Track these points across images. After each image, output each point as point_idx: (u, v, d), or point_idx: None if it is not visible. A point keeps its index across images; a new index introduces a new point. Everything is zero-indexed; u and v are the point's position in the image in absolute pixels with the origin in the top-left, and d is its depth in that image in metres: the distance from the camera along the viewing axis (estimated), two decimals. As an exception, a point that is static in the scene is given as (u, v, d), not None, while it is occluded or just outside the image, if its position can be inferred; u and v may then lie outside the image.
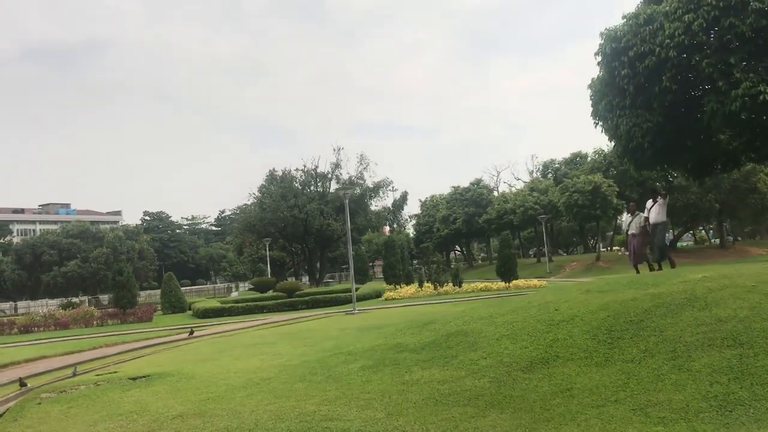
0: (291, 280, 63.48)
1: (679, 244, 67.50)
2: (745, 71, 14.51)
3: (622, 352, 7.75)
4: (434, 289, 34.77)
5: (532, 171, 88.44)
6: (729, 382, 6.35)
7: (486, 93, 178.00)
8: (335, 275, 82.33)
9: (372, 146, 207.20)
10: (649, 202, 15.49)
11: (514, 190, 79.95)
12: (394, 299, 33.00)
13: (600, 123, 19.59)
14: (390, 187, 67.02)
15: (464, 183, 79.23)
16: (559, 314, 9.78)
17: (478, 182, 79.14)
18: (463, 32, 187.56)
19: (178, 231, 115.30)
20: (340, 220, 64.62)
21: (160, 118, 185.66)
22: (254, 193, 68.01)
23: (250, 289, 53.73)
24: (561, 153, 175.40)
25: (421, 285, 41.22)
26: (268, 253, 60.85)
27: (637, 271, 15.49)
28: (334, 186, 66.56)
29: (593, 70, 19.46)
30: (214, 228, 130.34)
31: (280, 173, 68.01)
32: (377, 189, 66.13)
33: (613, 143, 20.17)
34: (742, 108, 14.39)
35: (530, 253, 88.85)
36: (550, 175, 79.32)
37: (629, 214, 16.48)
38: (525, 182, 78.15)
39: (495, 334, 9.61)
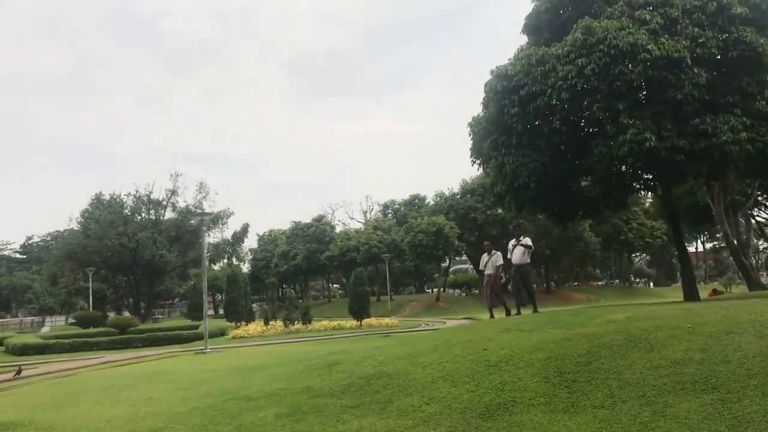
0: (113, 315, 58.34)
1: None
2: (632, 118, 14.97)
3: (587, 397, 7.02)
4: (284, 327, 33.15)
5: (366, 211, 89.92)
6: (729, 429, 5.81)
7: (314, 134, 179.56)
8: (164, 311, 77.23)
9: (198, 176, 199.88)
10: (512, 242, 14.96)
11: (357, 228, 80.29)
12: (243, 337, 30.94)
13: (479, 161, 19.64)
14: (230, 218, 64.29)
15: (285, 220, 78.62)
16: (490, 354, 8.96)
17: (320, 219, 78.67)
18: (299, 72, 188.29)
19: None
20: (174, 250, 60.92)
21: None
22: (77, 218, 62.37)
23: (71, 324, 48.47)
24: (390, 195, 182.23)
25: (266, 322, 39.40)
26: (91, 284, 55.53)
27: (492, 315, 14.94)
28: (169, 214, 62.87)
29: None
30: (18, 255, 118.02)
31: (108, 197, 63.05)
32: (217, 219, 63.18)
33: (496, 182, 20.32)
34: (630, 153, 14.80)
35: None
36: (390, 215, 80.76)
37: (486, 254, 15.87)
38: (360, 222, 78.80)
39: (426, 376, 8.57)
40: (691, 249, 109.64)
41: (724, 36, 15.27)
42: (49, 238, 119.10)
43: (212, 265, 75.09)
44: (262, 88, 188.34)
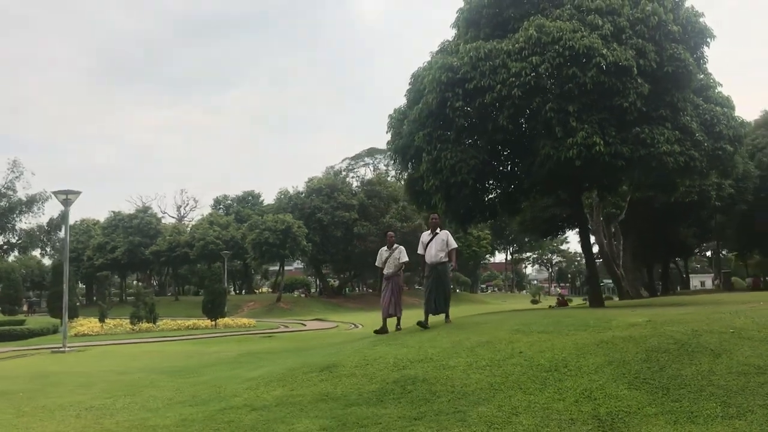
0: None
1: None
2: (580, 121, 14.92)
3: (699, 406, 6.31)
4: (131, 326, 29.83)
5: (181, 205, 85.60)
6: None
7: (113, 121, 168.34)
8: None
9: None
10: (426, 235, 11.79)
11: (190, 222, 75.85)
12: (87, 335, 27.32)
13: (398, 155, 18.77)
14: (47, 201, 57.48)
15: (90, 210, 72.58)
16: (534, 357, 8.11)
17: (146, 210, 73.13)
18: (102, 55, 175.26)
19: None
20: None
21: None
22: None
23: None
24: (203, 190, 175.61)
25: (102, 320, 35.46)
26: None
27: (385, 326, 12.32)
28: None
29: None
30: None
31: None
32: (31, 203, 56.27)
33: (405, 175, 19.55)
34: (578, 156, 14.72)
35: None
36: (221, 210, 77.27)
37: (386, 248, 12.51)
38: (173, 216, 74.73)
39: (477, 381, 7.51)
40: (494, 260, 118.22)
41: (660, 51, 15.71)
42: None
43: (24, 253, 66.79)
44: (66, 67, 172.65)
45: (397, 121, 18.55)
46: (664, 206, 30.78)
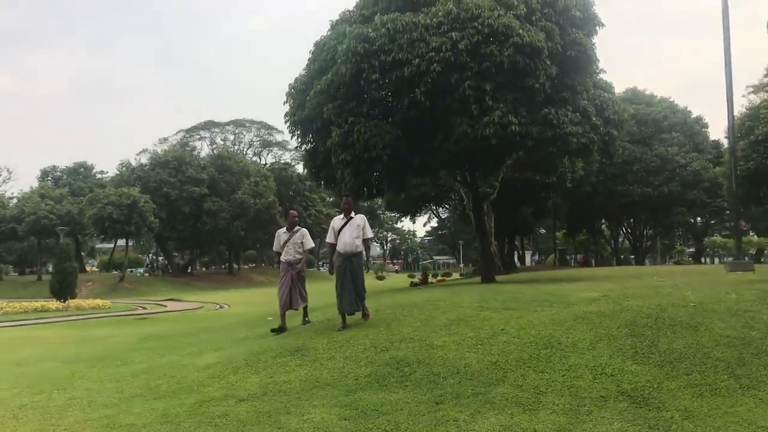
0: None
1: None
2: (495, 100, 15.09)
3: (711, 379, 6.56)
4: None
5: None
6: None
7: None
8: None
9: None
10: (339, 220, 9.77)
11: (12, 195, 68.45)
12: None
13: (298, 129, 18.02)
14: None
15: None
16: (523, 335, 8.02)
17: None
18: None
19: None
20: None
21: None
22: None
23: None
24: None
25: None
26: None
27: (283, 323, 10.50)
28: None
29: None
30: None
31: None
32: None
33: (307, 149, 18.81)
34: (495, 135, 14.88)
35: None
36: (50, 182, 70.71)
37: (284, 231, 10.73)
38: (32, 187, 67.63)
39: (479, 361, 7.22)
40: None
41: (564, 35, 16.26)
42: None
43: None
44: None
45: (299, 92, 17.77)
46: (524, 186, 32.38)
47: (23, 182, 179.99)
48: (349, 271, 9.46)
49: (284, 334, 10.10)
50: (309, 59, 18.15)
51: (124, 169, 58.07)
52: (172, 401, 6.98)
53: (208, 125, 78.84)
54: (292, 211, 11.71)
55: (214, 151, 71.58)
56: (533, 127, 15.53)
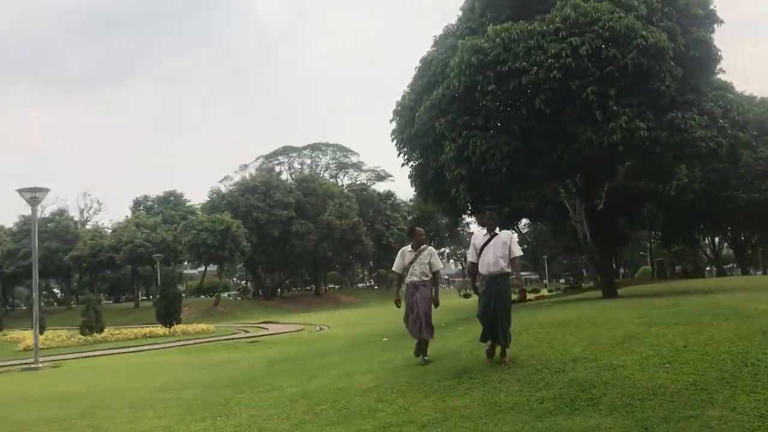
0: None
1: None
2: (620, 105, 14.44)
3: None
4: (84, 336, 27.37)
5: (84, 209, 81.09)
6: None
7: (6, 121, 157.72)
8: None
9: None
10: (480, 236, 8.54)
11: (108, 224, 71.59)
12: (40, 349, 24.65)
13: (406, 146, 17.82)
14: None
15: None
16: (712, 351, 7.37)
17: (62, 212, 68.53)
18: None
19: None
20: None
21: None
22: None
23: None
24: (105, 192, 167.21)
25: (43, 330, 32.63)
26: None
27: (420, 349, 9.28)
28: None
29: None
30: None
31: None
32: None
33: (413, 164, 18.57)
34: (621, 141, 14.23)
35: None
36: (142, 211, 73.45)
37: (410, 249, 9.21)
38: (78, 218, 70.46)
39: (675, 382, 6.65)
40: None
41: (685, 35, 15.49)
42: None
43: None
44: None
45: (407, 109, 17.60)
46: (621, 196, 31.12)
47: (111, 213, 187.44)
48: (496, 296, 8.15)
49: (434, 359, 9.50)
50: (414, 76, 17.99)
51: (214, 195, 59.64)
52: (349, 428, 6.71)
53: (286, 150, 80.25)
54: (418, 228, 9.61)
55: (292, 176, 72.81)
56: (661, 131, 14.76)
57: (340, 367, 10.95)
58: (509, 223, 37.59)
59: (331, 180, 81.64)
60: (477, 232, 9.00)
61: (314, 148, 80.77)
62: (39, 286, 44.40)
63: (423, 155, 17.39)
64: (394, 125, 18.17)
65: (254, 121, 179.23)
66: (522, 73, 14.54)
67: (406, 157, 18.21)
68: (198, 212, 62.46)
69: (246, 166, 76.39)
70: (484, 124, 15.41)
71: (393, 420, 6.80)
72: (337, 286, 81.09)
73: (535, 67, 14.42)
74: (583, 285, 40.06)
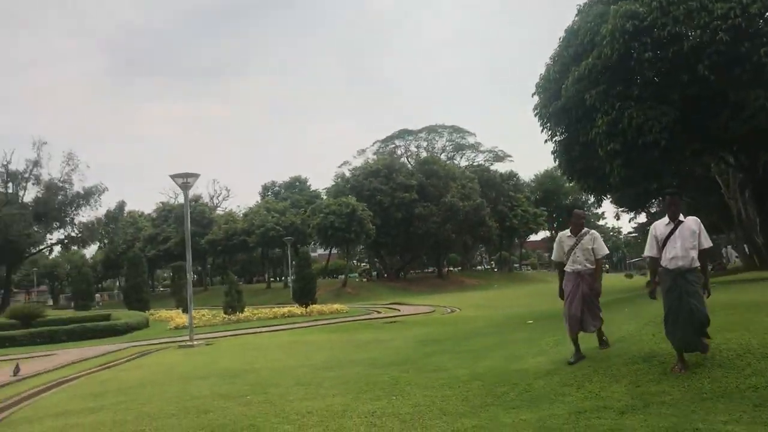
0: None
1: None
2: (797, 68, 13.14)
3: None
4: (227, 316, 28.60)
5: (214, 195, 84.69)
6: None
7: (131, 114, 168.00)
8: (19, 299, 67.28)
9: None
10: (660, 225, 7.36)
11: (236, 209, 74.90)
12: (186, 327, 26.07)
13: (550, 122, 17.11)
14: (103, 194, 56.60)
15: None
16: None
17: (196, 199, 72.25)
18: (115, 49, 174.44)
19: None
20: (40, 230, 52.92)
21: None
22: None
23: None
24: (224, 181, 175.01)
25: (185, 310, 34.52)
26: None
27: (578, 351, 8.24)
28: (32, 188, 54.28)
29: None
30: None
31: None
32: (88, 195, 55.39)
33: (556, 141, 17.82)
34: (803, 107, 12.95)
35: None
36: (270, 196, 76.17)
37: (569, 234, 8.44)
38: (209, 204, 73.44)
39: None
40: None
41: None
42: None
43: (79, 247, 66.46)
44: (75, 62, 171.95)
45: (551, 82, 16.88)
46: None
47: (238, 199, 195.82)
48: (685, 293, 7.00)
49: (612, 342, 8.91)
50: (557, 48, 17.23)
51: (339, 180, 60.76)
52: (538, 412, 6.40)
53: (402, 134, 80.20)
54: (576, 210, 8.86)
55: (409, 159, 72.81)
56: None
57: (504, 348, 10.66)
58: (645, 202, 35.59)
59: (449, 162, 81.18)
60: (658, 221, 7.57)
61: (430, 130, 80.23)
62: (179, 268, 47.02)
63: (569, 130, 16.66)
64: (536, 100, 17.54)
65: (369, 107, 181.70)
66: (682, 37, 13.53)
67: (549, 132, 17.50)
68: (323, 196, 63.90)
69: (363, 150, 77.22)
70: (640, 95, 14.50)
71: (585, 405, 6.43)
72: (457, 269, 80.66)
73: (697, 31, 13.37)
74: (727, 266, 37.35)
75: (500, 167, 78.49)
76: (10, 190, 53.46)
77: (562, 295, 8.51)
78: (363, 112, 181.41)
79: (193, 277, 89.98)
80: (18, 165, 55.01)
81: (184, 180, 19.13)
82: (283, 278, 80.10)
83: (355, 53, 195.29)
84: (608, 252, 8.75)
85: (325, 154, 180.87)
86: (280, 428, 6.85)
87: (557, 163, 18.31)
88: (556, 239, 8.72)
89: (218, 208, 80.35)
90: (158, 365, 14.04)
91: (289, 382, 9.83)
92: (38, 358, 17.14)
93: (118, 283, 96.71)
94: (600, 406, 6.33)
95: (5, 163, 53.14)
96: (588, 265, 8.18)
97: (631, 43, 14.03)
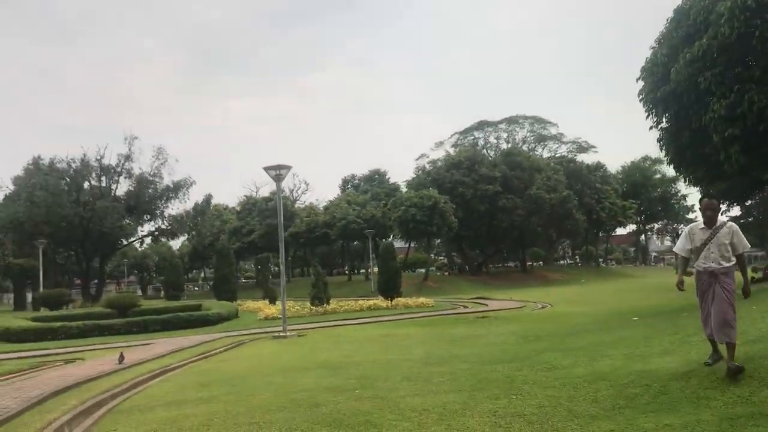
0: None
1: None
2: None
3: None
4: (314, 307, 28.74)
5: (294, 189, 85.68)
6: None
7: (209, 110, 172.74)
8: (110, 289, 70.29)
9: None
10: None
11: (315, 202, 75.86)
12: (276, 318, 26.38)
13: (657, 108, 16.16)
14: (192, 187, 58.21)
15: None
16: None
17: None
18: (192, 47, 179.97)
19: None
20: (132, 222, 54.97)
21: None
22: (7, 187, 55.62)
23: (39, 303, 41.72)
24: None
25: (272, 301, 35.10)
26: (41, 258, 47.93)
27: (716, 351, 7.35)
28: (123, 182, 56.42)
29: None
30: None
31: (47, 162, 55.62)
32: (177, 189, 57.09)
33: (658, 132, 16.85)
34: None
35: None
36: (350, 189, 76.68)
37: (702, 226, 7.27)
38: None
39: None
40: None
41: None
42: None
43: (169, 239, 68.87)
44: (157, 61, 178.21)
45: (658, 66, 15.93)
46: None
47: (316, 193, 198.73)
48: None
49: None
50: (664, 30, 16.25)
51: (420, 172, 60.42)
52: (683, 417, 5.84)
53: (481, 125, 78.90)
54: (708, 200, 7.40)
55: (488, 151, 71.62)
56: None
57: (621, 347, 10.02)
58: (748, 194, 33.54)
59: (532, 154, 79.37)
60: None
61: (510, 121, 78.66)
62: (264, 260, 47.79)
63: (678, 116, 15.66)
64: (640, 85, 16.61)
65: (443, 99, 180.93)
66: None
67: (655, 119, 16.57)
68: (402, 189, 63.72)
69: (441, 143, 76.44)
70: (762, 76, 13.45)
71: (737, 411, 5.83)
72: (539, 263, 78.92)
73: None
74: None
75: (584, 159, 76.30)
76: (103, 184, 55.69)
77: (679, 285, 7.60)
78: (437, 104, 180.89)
79: (275, 269, 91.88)
80: (110, 159, 56.92)
81: (277, 172, 19.20)
82: (363, 271, 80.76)
83: (425, 46, 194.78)
84: (749, 247, 7.56)
85: (400, 148, 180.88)
86: (398, 425, 6.56)
87: (663, 151, 17.31)
88: (685, 231, 7.72)
89: (297, 202, 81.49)
90: (256, 356, 14.08)
91: (396, 376, 9.55)
92: (137, 347, 17.53)
93: (202, 274, 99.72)
94: (754, 412, 5.72)
95: (99, 157, 55.36)
96: (723, 263, 7.08)
97: (753, 20, 13.01)
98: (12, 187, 56.52)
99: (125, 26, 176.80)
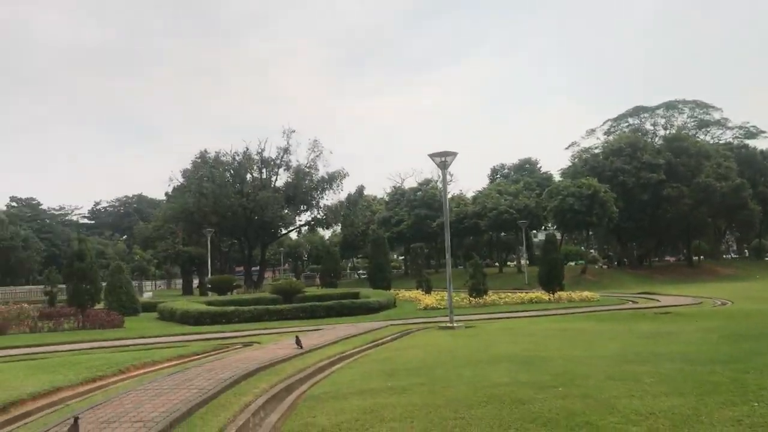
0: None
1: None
2: None
3: None
4: (473, 299, 28.12)
5: (439, 179, 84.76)
6: None
7: (360, 104, 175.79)
8: (266, 277, 73.75)
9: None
10: None
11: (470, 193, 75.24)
12: (436, 309, 26.13)
13: None
14: (345, 179, 59.61)
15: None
16: None
17: (427, 182, 73.51)
18: (340, 45, 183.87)
19: (47, 221, 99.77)
20: (290, 212, 57.20)
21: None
22: (177, 180, 59.39)
23: (209, 288, 44.65)
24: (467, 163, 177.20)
25: (428, 291, 35.07)
26: (210, 247, 51.09)
27: None
28: (282, 174, 58.82)
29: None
30: (86, 221, 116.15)
31: (213, 156, 58.97)
32: (331, 180, 58.65)
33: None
34: None
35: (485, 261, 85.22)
36: (498, 179, 75.26)
37: None
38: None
39: None
40: None
41: None
42: (117, 204, 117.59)
43: (324, 228, 71.31)
44: (307, 59, 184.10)
45: None
46: None
47: (460, 183, 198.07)
48: None
49: None
50: None
51: (576, 160, 57.99)
52: None
53: (637, 111, 73.94)
54: None
55: (645, 138, 67.26)
56: None
57: None
58: None
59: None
60: None
61: (669, 106, 73.07)
62: (417, 250, 47.79)
63: None
64: None
65: (588, 86, 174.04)
66: None
67: None
68: (555, 178, 61.52)
69: (593, 130, 72.62)
70: None
71: None
72: (700, 257, 73.22)
73: None
74: None
75: (755, 145, 69.66)
76: (264, 176, 58.28)
77: None
78: (582, 91, 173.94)
79: (421, 260, 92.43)
80: (270, 152, 59.35)
81: (442, 159, 18.78)
82: (509, 264, 79.00)
83: (568, 32, 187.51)
84: None
85: (546, 137, 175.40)
86: (626, 430, 5.86)
87: None
88: None
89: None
90: (431, 346, 13.71)
91: (597, 374, 8.78)
92: (308, 332, 17.79)
93: (350, 264, 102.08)
94: None
95: (260, 150, 57.96)
96: None
97: None
98: (181, 180, 60.52)
99: (280, 26, 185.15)
